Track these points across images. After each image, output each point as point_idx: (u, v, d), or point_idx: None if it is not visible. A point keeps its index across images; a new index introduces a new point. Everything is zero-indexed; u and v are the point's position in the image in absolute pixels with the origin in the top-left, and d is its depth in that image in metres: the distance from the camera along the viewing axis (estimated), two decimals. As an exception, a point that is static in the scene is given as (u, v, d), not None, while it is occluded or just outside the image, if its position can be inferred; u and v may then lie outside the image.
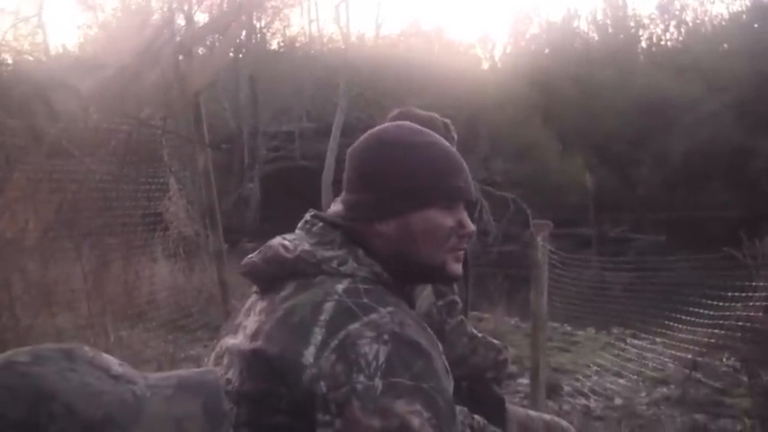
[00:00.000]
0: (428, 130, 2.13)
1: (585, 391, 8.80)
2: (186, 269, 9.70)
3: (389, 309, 1.83)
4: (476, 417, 2.35)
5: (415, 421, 1.68)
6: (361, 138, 2.12)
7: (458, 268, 2.08)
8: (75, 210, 7.41)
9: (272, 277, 1.99)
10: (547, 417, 3.48)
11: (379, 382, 1.69)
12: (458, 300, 3.24)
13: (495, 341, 3.40)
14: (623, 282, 11.41)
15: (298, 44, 31.33)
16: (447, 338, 3.12)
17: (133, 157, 8.09)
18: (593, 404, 8.46)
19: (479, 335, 3.35)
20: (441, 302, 3.17)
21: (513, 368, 9.32)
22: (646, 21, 33.77)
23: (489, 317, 13.05)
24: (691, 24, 33.51)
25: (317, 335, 1.76)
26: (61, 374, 1.26)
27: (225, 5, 13.74)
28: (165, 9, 10.85)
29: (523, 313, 10.77)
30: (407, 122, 2.17)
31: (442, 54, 30.11)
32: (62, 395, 1.23)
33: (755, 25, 29.11)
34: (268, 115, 27.57)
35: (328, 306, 1.81)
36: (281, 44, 31.54)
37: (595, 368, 9.51)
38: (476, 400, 3.18)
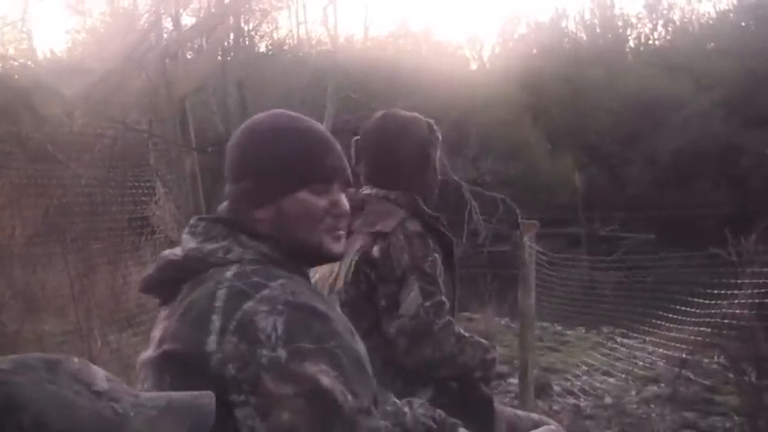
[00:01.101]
0: (303, 117, 2.18)
1: (576, 390, 8.79)
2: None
3: (280, 281, 1.88)
4: (437, 410, 2.34)
5: (325, 380, 1.75)
6: (237, 129, 2.19)
7: (337, 247, 2.11)
8: (62, 215, 7.39)
9: (168, 284, 2.02)
10: (535, 416, 3.47)
11: (282, 352, 1.74)
12: (445, 300, 3.22)
13: (483, 341, 3.38)
14: (613, 281, 11.41)
15: (286, 47, 31.30)
16: (435, 338, 3.12)
17: (119, 162, 8.07)
18: (583, 403, 8.46)
19: (467, 335, 3.34)
20: (428, 303, 3.14)
21: (503, 368, 9.34)
22: (634, 20, 33.86)
23: (479, 317, 13.06)
24: (678, 23, 33.58)
25: (215, 322, 1.80)
26: (38, 385, 1.24)
27: (212, 8, 13.73)
28: (152, 13, 10.83)
29: (513, 313, 10.76)
30: (284, 111, 2.21)
31: (431, 55, 30.08)
32: (33, 407, 1.21)
33: (743, 24, 29.20)
34: (257, 118, 27.53)
35: (221, 293, 1.85)
36: (270, 47, 31.52)
37: (585, 367, 9.51)
38: (464, 400, 3.17)
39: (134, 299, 8.37)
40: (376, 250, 3.10)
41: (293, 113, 2.18)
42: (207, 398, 1.39)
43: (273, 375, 1.73)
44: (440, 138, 3.45)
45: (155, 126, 8.86)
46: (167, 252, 2.08)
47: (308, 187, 2.05)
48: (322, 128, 2.19)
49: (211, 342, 1.77)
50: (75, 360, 1.34)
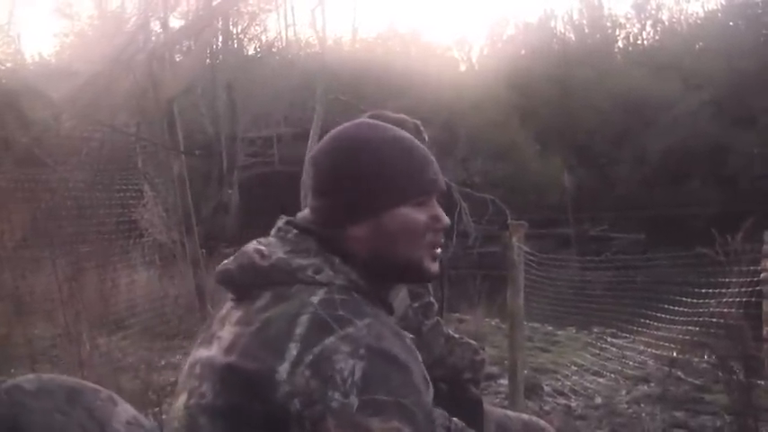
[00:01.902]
0: (389, 125, 2.07)
1: (566, 390, 8.79)
2: (163, 276, 9.66)
3: (366, 321, 1.77)
4: (454, 419, 2.33)
5: None
6: (322, 141, 2.05)
7: (435, 266, 2.03)
8: (50, 218, 7.36)
9: (247, 285, 1.92)
10: (525, 417, 3.47)
11: (354, 399, 1.64)
12: (433, 301, 3.23)
13: (472, 342, 3.39)
14: (603, 281, 11.41)
15: (274, 49, 31.33)
16: (424, 340, 3.12)
17: (107, 165, 8.04)
18: (573, 403, 8.46)
19: (456, 335, 3.34)
20: (416, 304, 3.17)
21: (492, 369, 9.34)
22: (622, 20, 33.99)
23: (469, 318, 13.05)
24: (667, 23, 33.69)
25: (292, 350, 1.71)
26: (47, 415, 1.22)
27: (200, 11, 13.71)
28: (140, 15, 10.81)
29: (503, 314, 10.74)
30: (366, 120, 2.11)
31: (420, 57, 30.12)
32: None
33: (731, 23, 29.29)
34: (246, 121, 27.55)
35: (303, 319, 1.75)
36: (258, 49, 31.55)
37: (575, 367, 9.50)
38: (454, 402, 3.17)
39: (123, 302, 8.37)
40: None
41: (379, 123, 2.07)
42: None
43: (340, 422, 1.64)
44: (426, 138, 3.45)
45: (142, 129, 8.85)
46: (251, 249, 1.95)
47: (408, 201, 1.95)
48: (410, 137, 2.06)
49: (283, 371, 1.69)
50: (104, 395, 1.31)
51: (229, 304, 1.97)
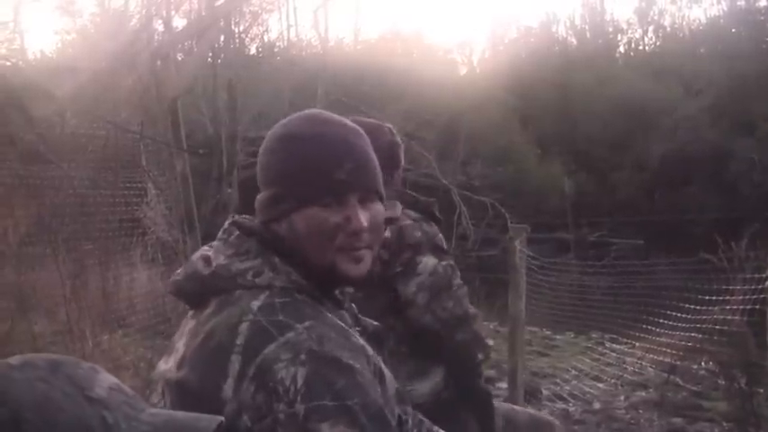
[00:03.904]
0: (328, 119, 2.01)
1: (564, 395, 8.82)
2: (165, 274, 9.66)
3: (307, 323, 1.75)
4: (425, 420, 2.32)
5: None
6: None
7: (353, 268, 1.92)
8: (53, 216, 7.37)
9: (194, 295, 1.92)
10: (531, 411, 3.56)
11: (300, 408, 1.64)
12: (455, 265, 3.35)
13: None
14: (602, 286, 11.43)
15: (276, 49, 31.31)
16: (454, 294, 3.25)
17: (111, 163, 8.05)
18: (571, 408, 8.48)
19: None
20: (444, 263, 3.29)
21: (491, 372, 9.37)
22: (624, 25, 33.89)
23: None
24: (668, 29, 33.64)
25: (235, 363, 1.70)
26: (29, 383, 1.23)
27: (203, 11, 13.72)
28: (143, 14, 10.82)
29: (502, 318, 10.78)
30: (308, 113, 2.06)
31: (421, 59, 30.07)
32: (15, 402, 1.20)
33: (733, 30, 29.26)
34: (247, 120, 27.53)
35: (243, 327, 1.74)
36: (260, 49, 31.53)
37: (574, 372, 9.53)
38: (463, 395, 3.23)
39: (125, 300, 8.37)
40: (387, 232, 3.12)
41: (320, 117, 2.02)
42: (207, 421, 1.36)
43: None
44: (401, 143, 3.57)
45: (146, 127, 8.85)
46: (197, 257, 1.94)
47: (317, 202, 1.87)
48: (342, 132, 1.98)
49: (228, 388, 1.68)
50: (85, 365, 1.32)
51: (190, 312, 1.96)
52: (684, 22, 33.60)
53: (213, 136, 26.15)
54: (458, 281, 3.29)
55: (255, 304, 1.78)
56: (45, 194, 7.33)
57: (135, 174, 8.58)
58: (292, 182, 1.89)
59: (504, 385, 8.62)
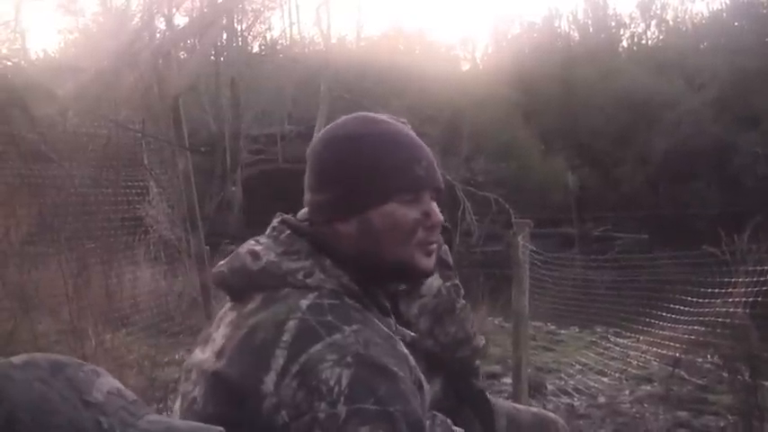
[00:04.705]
0: (385, 119, 2.03)
1: (569, 389, 8.81)
2: (168, 273, 9.65)
3: (354, 327, 1.75)
4: (455, 429, 2.31)
5: None
6: (318, 134, 2.04)
7: (429, 262, 1.97)
8: (55, 214, 7.36)
9: (239, 288, 1.91)
10: (534, 409, 3.53)
11: (342, 409, 1.62)
12: (460, 285, 3.28)
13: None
14: (606, 280, 11.41)
15: (279, 47, 31.35)
16: (457, 317, 3.21)
17: (112, 161, 8.03)
18: (576, 402, 8.48)
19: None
20: (448, 284, 3.22)
21: (497, 368, 9.36)
22: (626, 20, 34.00)
23: (473, 317, 13.06)
24: (671, 23, 33.68)
25: (279, 358, 1.69)
26: (27, 383, 1.22)
27: (205, 8, 13.71)
28: (145, 12, 10.81)
29: (507, 313, 10.75)
30: (361, 114, 2.05)
31: (424, 55, 30.12)
32: (10, 402, 1.20)
33: (735, 23, 29.28)
34: (250, 118, 27.58)
35: (291, 325, 1.73)
36: (262, 47, 31.58)
37: (579, 367, 9.52)
38: (460, 397, 3.21)
39: (128, 298, 8.37)
40: None
41: (375, 116, 2.02)
42: (206, 431, 1.36)
43: None
44: None
45: (148, 126, 8.84)
46: (244, 251, 1.92)
47: (395, 198, 1.89)
48: (410, 132, 2.02)
49: (269, 381, 1.68)
50: (88, 367, 1.31)
51: (228, 304, 1.96)
52: (687, 16, 33.71)
53: (216, 134, 26.19)
54: (461, 302, 3.25)
55: (304, 303, 1.78)
56: (47, 193, 7.31)
57: (137, 172, 8.56)
58: (367, 179, 1.89)
59: (508, 380, 8.62)
